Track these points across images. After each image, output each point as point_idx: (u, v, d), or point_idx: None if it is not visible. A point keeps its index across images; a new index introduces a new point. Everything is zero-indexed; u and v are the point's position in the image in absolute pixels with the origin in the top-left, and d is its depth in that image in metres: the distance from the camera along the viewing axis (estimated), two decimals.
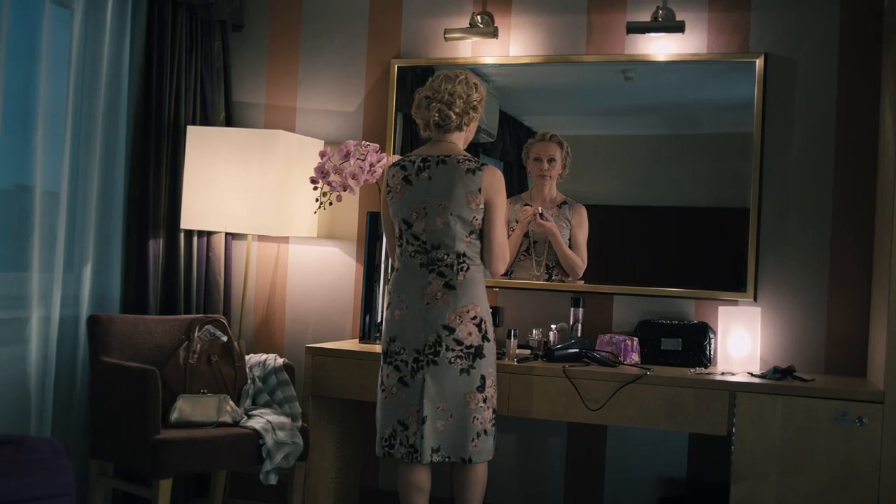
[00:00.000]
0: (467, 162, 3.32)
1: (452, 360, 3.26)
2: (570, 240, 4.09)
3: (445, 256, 3.30)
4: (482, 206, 3.30)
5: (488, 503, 4.17)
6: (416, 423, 3.27)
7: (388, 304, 3.40)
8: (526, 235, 4.12)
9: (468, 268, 3.30)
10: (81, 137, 3.87)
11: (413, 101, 3.44)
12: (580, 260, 4.06)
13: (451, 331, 3.25)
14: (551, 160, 4.09)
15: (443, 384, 3.27)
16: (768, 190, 3.84)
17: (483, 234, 3.34)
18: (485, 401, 3.28)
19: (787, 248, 3.83)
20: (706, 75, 3.98)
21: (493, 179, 3.32)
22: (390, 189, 3.40)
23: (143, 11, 4.05)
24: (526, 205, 4.11)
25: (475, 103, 3.38)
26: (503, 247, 3.36)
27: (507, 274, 4.12)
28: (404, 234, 3.38)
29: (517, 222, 4.10)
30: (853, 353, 3.73)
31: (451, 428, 3.27)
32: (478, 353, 3.27)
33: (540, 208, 4.04)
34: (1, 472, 2.55)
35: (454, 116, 3.35)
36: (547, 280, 4.10)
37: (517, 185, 4.16)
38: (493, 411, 3.33)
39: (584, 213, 4.09)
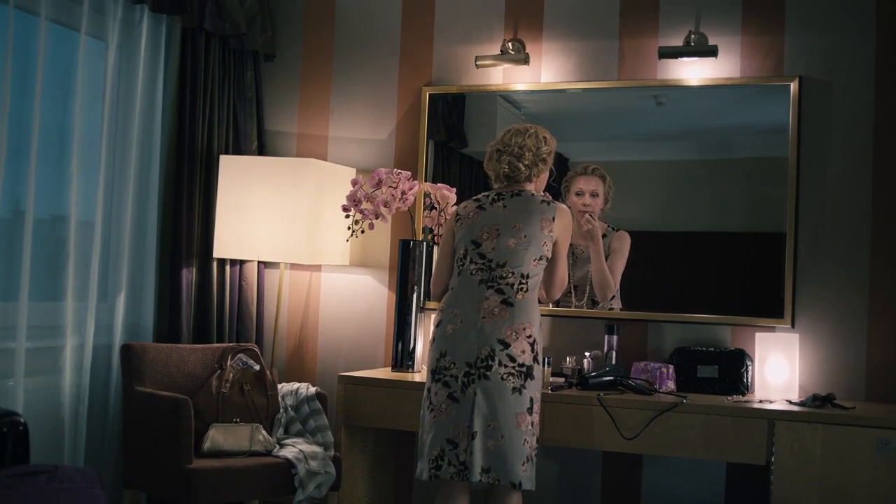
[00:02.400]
0: (541, 197, 3.46)
1: (504, 376, 3.21)
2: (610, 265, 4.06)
3: (509, 275, 3.31)
4: (553, 235, 3.38)
5: None
6: (467, 438, 3.22)
7: (439, 322, 3.36)
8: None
9: (528, 289, 3.32)
10: (116, 167, 3.91)
11: (484, 153, 3.56)
12: (613, 281, 4.03)
13: (506, 346, 3.23)
14: (594, 194, 4.06)
15: (494, 401, 3.21)
16: (805, 214, 3.79)
17: (549, 264, 3.43)
18: (533, 425, 3.25)
19: (824, 274, 3.77)
20: (740, 99, 3.95)
21: (565, 215, 3.47)
22: (460, 217, 3.48)
23: (177, 42, 4.10)
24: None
25: (544, 156, 3.49)
26: (564, 277, 3.52)
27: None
28: (469, 254, 3.38)
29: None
30: (894, 380, 3.65)
31: (502, 449, 3.19)
32: (529, 373, 3.24)
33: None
34: (35, 502, 2.54)
35: (523, 168, 3.45)
36: (577, 306, 4.06)
37: (556, 187, 4.11)
38: (538, 440, 3.30)
39: (626, 239, 4.05)
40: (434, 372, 3.32)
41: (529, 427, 3.23)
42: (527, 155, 3.44)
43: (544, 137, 3.49)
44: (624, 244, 4.05)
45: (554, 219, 3.38)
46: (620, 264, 4.04)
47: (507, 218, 3.39)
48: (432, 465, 3.25)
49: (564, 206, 3.48)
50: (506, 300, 3.28)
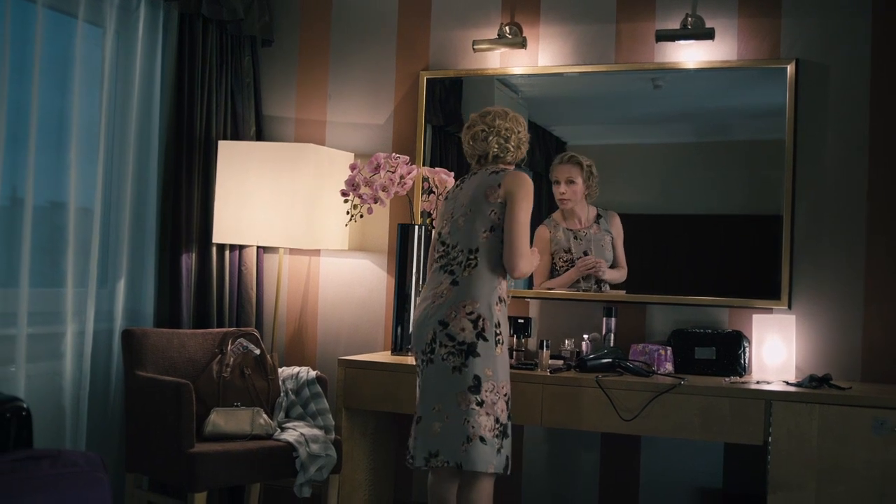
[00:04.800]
0: (492, 169, 3.38)
1: (445, 356, 3.20)
2: (614, 250, 4.08)
3: (459, 254, 3.30)
4: (501, 200, 3.28)
5: None
6: (414, 423, 3.27)
7: None
8: (567, 251, 4.11)
9: (476, 264, 3.25)
10: (114, 154, 3.92)
11: (463, 134, 3.49)
12: (623, 273, 4.06)
13: (445, 325, 3.21)
14: (570, 182, 4.07)
15: (437, 383, 3.22)
16: (802, 197, 3.81)
17: (504, 231, 3.27)
18: (480, 404, 3.17)
19: (821, 255, 3.79)
20: (737, 82, 3.96)
21: (516, 177, 3.31)
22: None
23: (174, 28, 4.10)
24: (585, 252, 4.09)
25: (524, 140, 3.48)
26: (518, 245, 3.23)
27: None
28: (434, 245, 3.43)
29: (559, 247, 4.11)
30: (890, 360, 3.68)
31: (447, 430, 3.19)
32: (470, 350, 3.18)
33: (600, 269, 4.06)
34: (39, 486, 2.56)
35: (511, 149, 3.43)
36: (585, 289, 4.08)
37: (547, 197, 4.14)
38: (498, 421, 3.20)
39: (618, 220, 4.09)
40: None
41: (474, 406, 3.16)
42: (513, 138, 3.42)
43: (522, 123, 3.47)
44: (619, 228, 4.09)
45: (500, 185, 3.29)
46: (622, 248, 4.07)
47: (459, 199, 3.39)
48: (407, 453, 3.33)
49: (517, 171, 3.36)
50: (454, 280, 3.27)
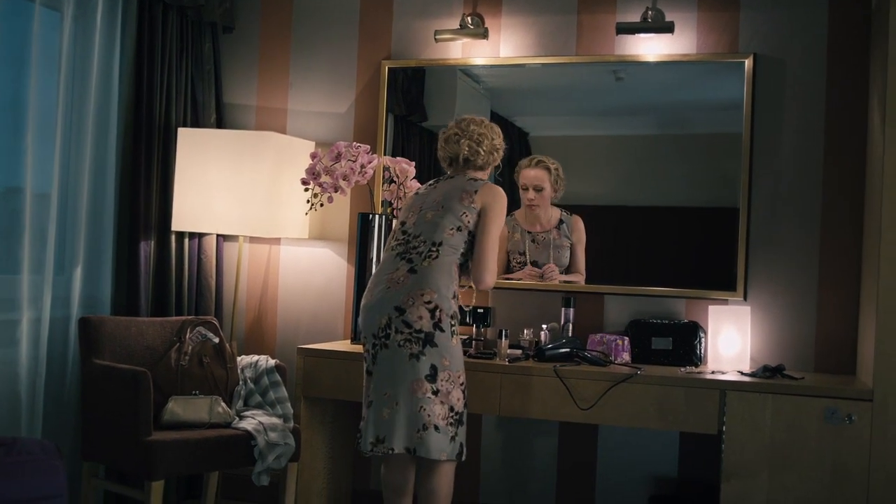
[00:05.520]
0: (471, 177, 3.48)
1: (402, 343, 3.22)
2: (570, 255, 4.10)
3: (420, 245, 3.34)
4: (475, 206, 3.36)
5: (480, 503, 4.19)
6: (365, 408, 3.29)
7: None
8: (522, 254, 4.13)
9: (437, 256, 3.30)
10: (72, 139, 3.87)
11: (438, 139, 3.57)
12: (579, 279, 4.09)
13: (401, 312, 3.23)
14: (538, 189, 4.10)
15: (392, 368, 3.24)
16: (758, 189, 3.86)
17: (474, 243, 3.37)
18: (435, 393, 3.21)
19: (777, 248, 3.85)
20: (696, 75, 4.00)
21: (493, 192, 3.42)
22: (402, 207, 3.56)
23: (133, 13, 4.05)
24: (534, 262, 4.12)
25: (498, 147, 3.55)
26: (488, 260, 3.35)
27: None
28: (395, 233, 3.45)
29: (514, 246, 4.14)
30: (843, 352, 3.74)
31: (397, 417, 3.22)
32: (428, 339, 3.22)
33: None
34: None
35: (483, 153, 3.49)
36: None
37: (509, 192, 4.12)
38: (452, 410, 3.24)
39: (581, 225, 4.11)
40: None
41: (430, 394, 3.20)
42: (485, 143, 3.49)
43: (498, 132, 3.57)
44: (581, 233, 4.11)
45: (476, 192, 3.39)
46: (582, 253, 4.10)
47: (433, 196, 3.45)
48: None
49: (495, 185, 3.48)
50: (412, 268, 3.30)
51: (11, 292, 3.60)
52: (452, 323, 3.28)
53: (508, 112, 4.26)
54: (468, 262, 3.41)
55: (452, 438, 3.23)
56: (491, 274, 3.36)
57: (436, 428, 3.19)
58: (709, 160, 4.01)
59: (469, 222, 3.36)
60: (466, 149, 3.48)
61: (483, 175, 3.56)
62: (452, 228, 3.35)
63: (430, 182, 3.57)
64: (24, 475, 2.60)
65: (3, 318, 3.58)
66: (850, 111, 3.76)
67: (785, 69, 3.84)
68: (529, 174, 4.10)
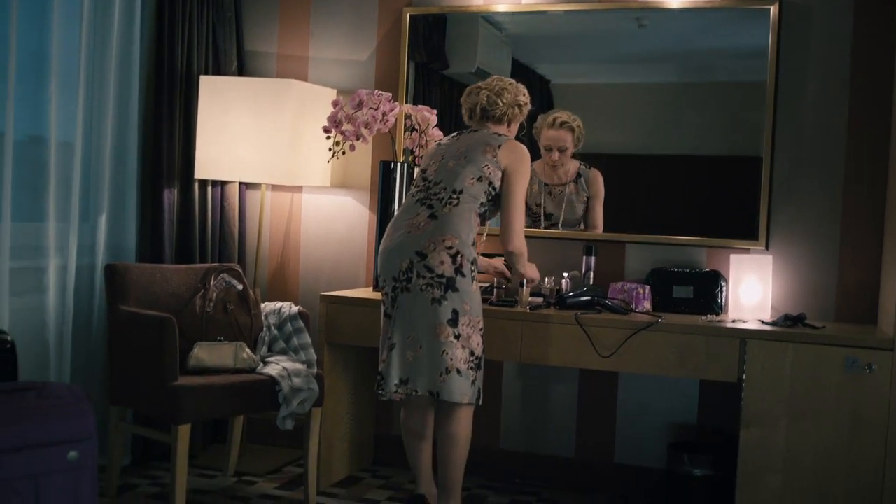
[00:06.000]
0: (496, 132, 3.49)
1: (424, 287, 3.25)
2: (588, 210, 4.10)
3: (441, 191, 3.36)
4: (497, 160, 3.39)
5: (501, 448, 4.24)
6: (387, 350, 3.32)
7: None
8: (538, 205, 4.13)
9: (458, 203, 3.33)
10: (95, 89, 3.89)
11: (464, 75, 3.65)
12: (600, 227, 4.08)
13: (423, 257, 3.26)
14: (562, 149, 4.08)
15: (414, 312, 3.27)
16: (782, 138, 3.83)
17: (501, 206, 3.42)
18: (457, 337, 3.24)
19: (799, 197, 3.83)
20: (720, 22, 3.95)
21: (517, 150, 3.43)
22: (424, 155, 3.58)
23: None
24: (549, 214, 4.10)
25: (521, 103, 3.55)
26: (517, 221, 3.39)
27: None
28: (416, 181, 3.47)
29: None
30: (864, 301, 3.74)
31: (421, 359, 3.25)
32: (450, 284, 3.25)
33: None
34: (24, 418, 2.60)
35: (501, 104, 3.50)
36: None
37: (527, 141, 4.12)
38: (473, 354, 3.28)
39: (599, 179, 4.10)
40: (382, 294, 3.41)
41: (452, 339, 3.24)
42: (505, 95, 3.51)
43: (524, 92, 3.57)
44: (600, 187, 4.10)
45: (500, 146, 3.41)
46: (600, 207, 4.10)
47: (456, 147, 3.47)
48: (376, 382, 3.37)
49: (518, 143, 3.48)
50: (432, 214, 3.32)
51: (38, 240, 3.65)
52: (472, 269, 3.30)
53: (530, 60, 4.24)
54: (487, 213, 3.43)
55: (473, 382, 3.28)
56: (518, 236, 3.40)
57: (458, 372, 3.23)
58: (732, 109, 3.97)
59: (490, 174, 3.38)
60: (485, 99, 3.50)
61: (506, 131, 3.55)
62: (473, 178, 3.36)
63: (454, 134, 3.58)
64: (54, 418, 2.65)
65: (31, 266, 3.63)
66: (877, 60, 3.71)
67: (811, 16, 3.79)
68: (553, 135, 4.08)
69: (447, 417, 3.32)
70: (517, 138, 3.60)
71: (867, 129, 3.73)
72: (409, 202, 3.45)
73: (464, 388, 3.24)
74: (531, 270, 3.56)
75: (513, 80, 3.58)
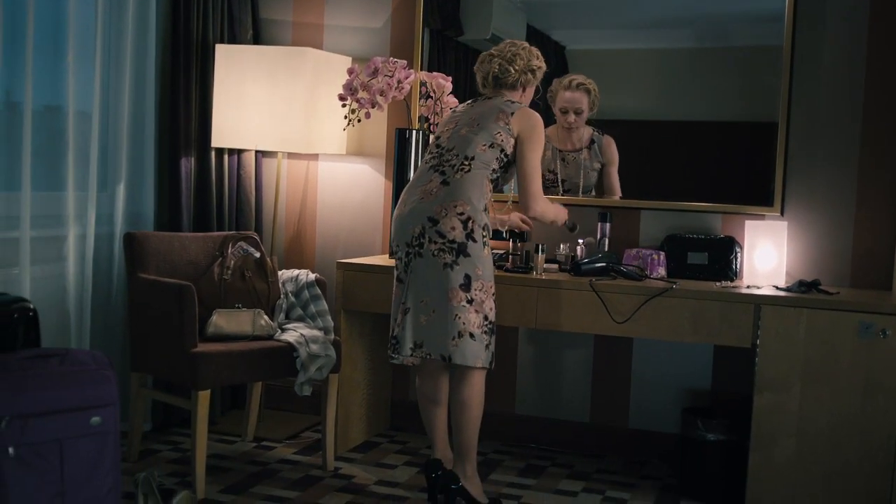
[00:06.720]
0: (510, 99, 3.50)
1: (436, 252, 3.27)
2: (605, 177, 4.10)
3: (453, 158, 3.38)
4: (510, 127, 3.39)
5: (516, 414, 4.28)
6: (401, 314, 3.35)
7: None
8: (552, 171, 4.13)
9: (469, 169, 3.34)
10: (111, 58, 3.91)
11: (479, 41, 3.63)
12: (618, 192, 4.09)
13: (435, 222, 3.28)
14: (578, 111, 4.08)
15: (427, 277, 3.30)
16: (797, 104, 3.82)
17: (517, 174, 3.45)
18: (470, 302, 3.27)
19: (814, 163, 3.82)
20: None
21: (530, 118, 3.44)
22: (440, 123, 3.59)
23: None
24: (563, 180, 4.10)
25: (534, 68, 3.54)
26: (535, 185, 3.42)
27: None
28: (430, 148, 3.49)
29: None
30: (879, 267, 3.74)
31: (434, 323, 3.28)
32: (461, 249, 3.26)
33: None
34: (48, 384, 2.64)
35: (513, 71, 3.50)
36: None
37: (543, 111, 4.13)
38: (486, 319, 3.30)
39: (613, 146, 4.10)
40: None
41: (464, 303, 3.26)
42: (518, 61, 3.50)
43: (537, 55, 3.57)
44: (614, 153, 4.10)
45: (513, 114, 3.42)
46: (616, 173, 4.09)
47: (470, 114, 3.48)
48: (389, 346, 3.41)
49: (531, 110, 3.49)
50: (444, 180, 3.34)
51: (57, 209, 3.68)
52: (484, 234, 3.32)
53: (545, 25, 4.22)
54: (499, 179, 3.44)
55: (487, 346, 3.30)
56: (537, 200, 3.44)
57: (471, 336, 3.26)
58: (748, 74, 3.95)
59: (502, 141, 3.39)
60: (497, 67, 3.51)
61: (519, 97, 3.55)
62: (485, 145, 3.37)
63: (468, 101, 3.59)
64: (78, 384, 2.70)
65: (51, 235, 3.67)
66: (895, 24, 3.68)
67: None
68: (569, 97, 4.08)
69: (460, 383, 3.35)
70: (533, 102, 3.60)
71: (884, 94, 3.72)
72: (422, 169, 3.47)
73: (477, 352, 3.28)
74: (559, 215, 3.63)
75: (526, 44, 3.57)
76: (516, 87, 3.54)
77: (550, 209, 3.58)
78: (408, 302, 3.34)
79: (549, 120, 4.08)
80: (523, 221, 3.78)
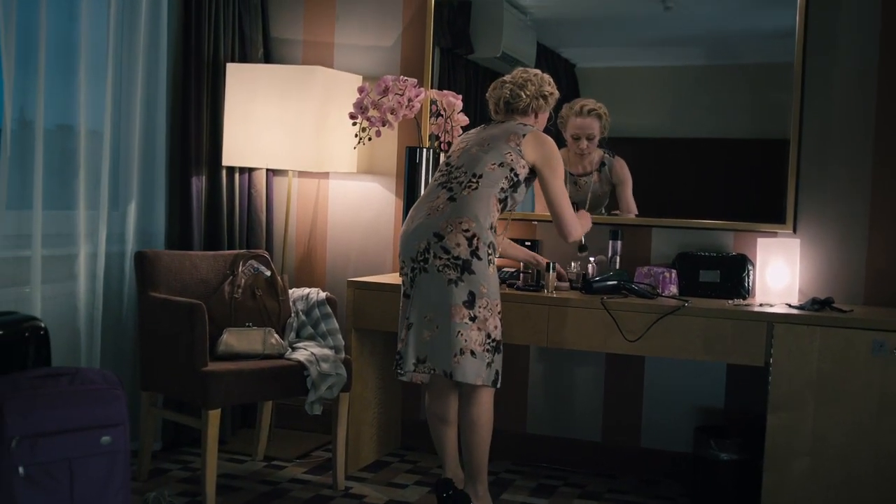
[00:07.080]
0: (522, 122, 3.51)
1: (440, 268, 3.27)
2: (619, 197, 4.08)
3: (462, 175, 3.38)
4: (521, 148, 3.39)
5: (528, 433, 4.26)
6: (405, 329, 3.34)
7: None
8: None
9: (477, 187, 3.34)
10: (123, 77, 3.93)
11: (490, 60, 3.66)
12: (634, 211, 4.07)
13: (440, 238, 3.27)
14: (590, 137, 4.07)
15: (430, 292, 3.29)
16: (809, 121, 3.81)
17: (547, 203, 3.46)
18: (472, 319, 3.25)
19: (827, 180, 3.81)
20: (747, 4, 3.92)
21: (544, 143, 3.44)
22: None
23: None
24: (574, 203, 4.05)
25: (546, 93, 3.55)
26: (566, 211, 3.44)
27: None
28: (440, 167, 3.50)
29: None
30: (892, 285, 3.72)
31: (437, 339, 3.27)
32: (466, 266, 3.25)
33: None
34: (59, 403, 2.64)
35: (524, 96, 3.51)
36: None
37: (554, 132, 4.10)
38: (489, 337, 3.28)
39: (624, 167, 4.08)
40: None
41: (467, 320, 3.24)
42: (529, 87, 3.51)
43: (549, 81, 3.58)
44: (626, 175, 4.08)
45: (524, 135, 3.41)
46: (629, 192, 4.08)
47: (481, 136, 3.49)
48: (394, 363, 3.41)
49: (544, 135, 3.49)
50: (451, 196, 3.34)
51: (69, 227, 3.69)
52: (489, 252, 3.31)
53: (555, 43, 4.23)
54: (508, 199, 3.43)
55: (489, 365, 3.28)
56: (573, 226, 3.46)
57: (472, 353, 3.25)
58: (759, 91, 3.95)
59: (512, 161, 3.38)
60: (508, 92, 3.52)
61: (533, 122, 3.55)
62: (494, 164, 3.37)
63: (482, 125, 3.60)
64: (88, 403, 2.70)
65: (62, 253, 3.68)
66: None
67: None
68: (580, 122, 4.06)
69: (468, 402, 3.34)
70: (546, 128, 3.60)
71: None
72: (431, 186, 3.47)
73: (478, 370, 3.25)
74: (589, 224, 3.71)
75: (538, 72, 3.58)
76: (528, 113, 3.54)
77: (584, 227, 3.64)
78: (411, 317, 3.33)
79: (559, 144, 4.06)
80: (538, 262, 3.76)
